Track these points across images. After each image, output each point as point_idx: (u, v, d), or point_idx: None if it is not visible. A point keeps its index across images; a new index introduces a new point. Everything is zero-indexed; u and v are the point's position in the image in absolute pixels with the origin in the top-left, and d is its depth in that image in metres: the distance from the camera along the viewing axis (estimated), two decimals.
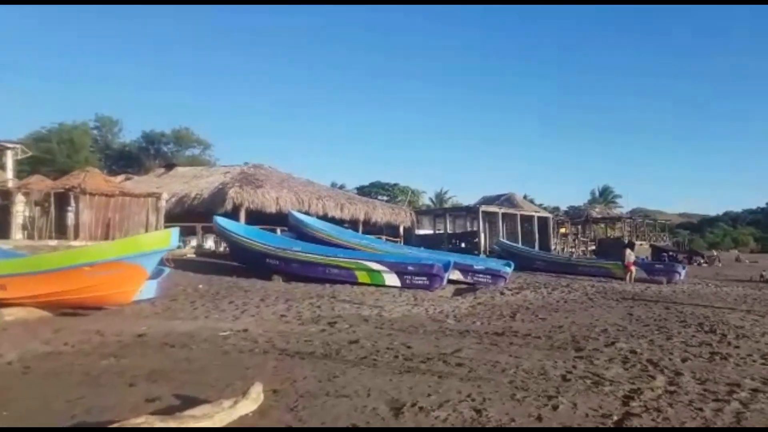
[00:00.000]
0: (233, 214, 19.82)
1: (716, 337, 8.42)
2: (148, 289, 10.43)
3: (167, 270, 11.68)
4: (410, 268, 14.14)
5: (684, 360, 6.73)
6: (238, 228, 16.04)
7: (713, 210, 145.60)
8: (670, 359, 6.74)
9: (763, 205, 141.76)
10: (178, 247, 22.74)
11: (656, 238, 51.56)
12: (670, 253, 43.28)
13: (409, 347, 7.06)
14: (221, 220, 16.09)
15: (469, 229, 33.95)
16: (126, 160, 47.90)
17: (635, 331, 8.79)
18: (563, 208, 67.51)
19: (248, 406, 3.74)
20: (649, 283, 18.85)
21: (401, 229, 28.64)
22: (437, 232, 34.33)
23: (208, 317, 9.53)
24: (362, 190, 55.90)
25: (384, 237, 27.45)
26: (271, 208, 20.21)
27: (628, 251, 20.57)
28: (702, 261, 40.76)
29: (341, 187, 55.52)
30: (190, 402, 4.10)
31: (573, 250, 40.19)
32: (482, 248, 29.91)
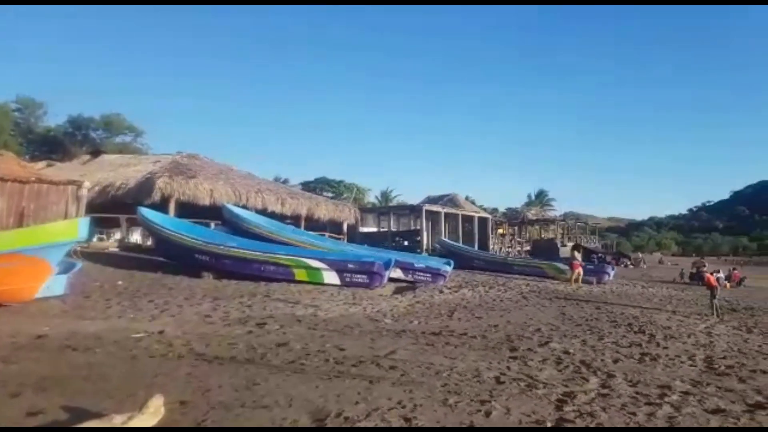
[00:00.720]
0: (162, 206, 18.74)
1: (645, 338, 8.57)
2: (56, 285, 9.55)
3: (79, 264, 10.78)
4: (350, 266, 13.77)
5: (615, 361, 6.73)
6: (165, 221, 15.12)
7: (639, 215, 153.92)
8: (602, 360, 6.73)
9: (684, 211, 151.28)
10: (100, 240, 21.56)
11: (586, 240, 53.59)
12: (599, 255, 45.11)
13: (341, 349, 6.71)
14: (146, 212, 15.12)
15: (412, 227, 34.00)
16: (50, 146, 44.85)
17: (568, 331, 8.82)
18: (502, 209, 69.33)
19: (146, 421, 3.26)
20: (580, 283, 19.34)
21: (345, 227, 28.18)
22: (381, 230, 34.15)
23: (122, 317, 8.76)
24: (307, 186, 54.99)
25: (327, 234, 26.96)
26: (205, 201, 19.24)
27: (575, 252, 20.91)
28: (629, 263, 42.74)
29: (285, 181, 54.45)
30: (79, 416, 3.57)
31: (509, 249, 41.09)
32: (425, 247, 29.99)
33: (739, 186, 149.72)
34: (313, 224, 26.80)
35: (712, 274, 17.80)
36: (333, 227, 28.71)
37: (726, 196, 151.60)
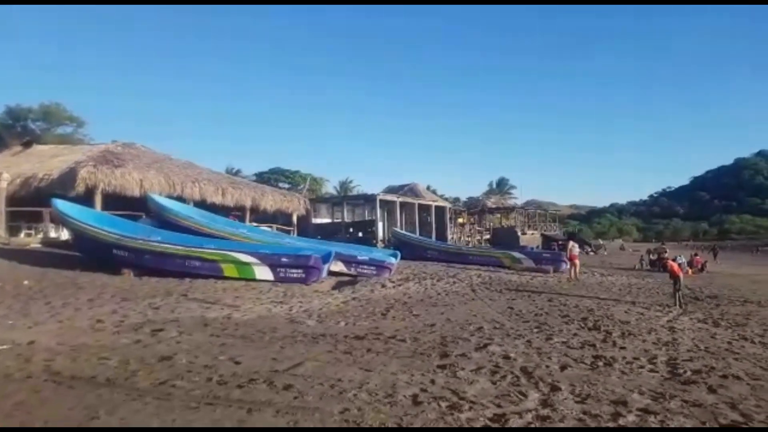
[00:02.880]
0: (88, 199, 17.09)
1: (600, 336, 7.66)
2: None
3: None
4: (284, 259, 12.54)
5: (563, 367, 5.75)
6: (81, 214, 13.55)
7: (601, 202, 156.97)
8: (547, 367, 5.74)
9: (645, 197, 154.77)
10: (27, 235, 19.66)
11: (547, 227, 53.53)
12: (560, 242, 44.98)
13: (237, 362, 5.55)
14: (61, 204, 13.51)
15: (368, 218, 32.76)
16: None
17: (513, 330, 7.84)
18: (464, 198, 68.85)
19: None
20: (536, 272, 18.58)
21: (294, 218, 26.83)
22: (335, 221, 32.81)
23: (1, 323, 7.44)
24: (262, 177, 53.12)
25: (275, 226, 25.57)
26: (134, 192, 17.61)
27: (571, 243, 18.58)
28: (589, 250, 42.65)
29: (237, 172, 52.44)
30: None
31: (468, 239, 40.43)
32: (379, 237, 28.88)
33: (698, 171, 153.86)
34: (260, 216, 25.40)
35: (674, 260, 17.16)
36: (284, 219, 27.35)
37: (686, 181, 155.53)
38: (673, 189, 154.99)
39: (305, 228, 30.34)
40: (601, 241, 48.58)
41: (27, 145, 26.89)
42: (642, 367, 5.91)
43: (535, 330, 7.90)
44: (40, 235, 18.49)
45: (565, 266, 20.09)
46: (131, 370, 5.19)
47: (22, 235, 18.98)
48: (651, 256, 26.93)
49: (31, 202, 17.74)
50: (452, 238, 36.99)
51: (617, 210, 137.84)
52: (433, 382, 5.03)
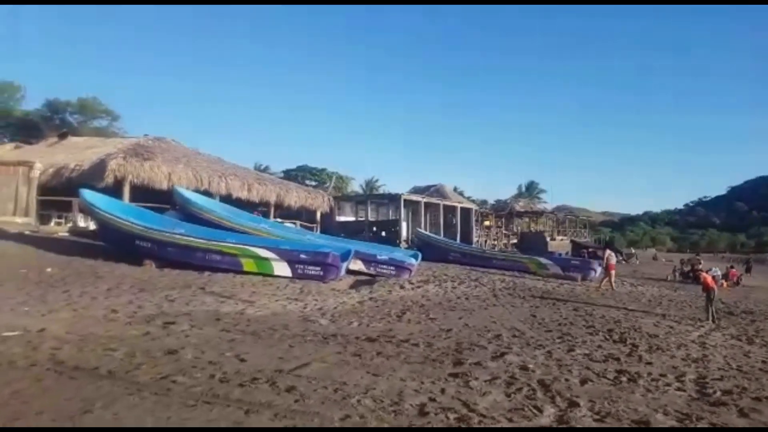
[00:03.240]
0: (116, 190, 17.33)
1: (626, 349, 7.27)
2: None
3: None
4: (302, 256, 12.42)
5: (583, 382, 5.43)
6: (108, 204, 13.69)
7: (634, 210, 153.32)
8: (566, 380, 5.42)
9: (680, 206, 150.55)
10: (58, 224, 20.08)
11: (577, 234, 52.39)
12: (590, 249, 43.90)
13: (242, 360, 5.40)
14: (88, 194, 13.69)
15: (391, 217, 32.52)
16: (29, 130, 43.20)
17: (533, 339, 7.51)
18: (491, 201, 67.94)
19: None
20: (563, 279, 18.06)
21: (318, 215, 26.79)
22: (359, 219, 32.68)
23: (16, 310, 7.49)
24: (289, 174, 53.38)
25: (299, 222, 25.58)
26: (162, 185, 17.79)
27: (608, 252, 17.47)
28: (620, 258, 41.49)
29: (265, 169, 52.81)
30: None
31: (495, 242, 39.79)
32: (403, 237, 28.61)
33: (736, 181, 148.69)
34: (284, 212, 25.46)
35: (707, 272, 16.33)
36: (308, 216, 27.35)
37: (723, 191, 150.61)
38: (709, 198, 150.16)
39: (329, 225, 30.28)
40: (633, 250, 47.17)
41: (63, 136, 27.57)
42: (668, 384, 5.54)
43: (557, 340, 7.56)
44: (69, 224, 18.86)
45: (594, 275, 19.52)
46: (135, 363, 5.09)
47: (52, 223, 19.40)
48: (684, 267, 25.99)
49: (62, 192, 18.08)
50: (478, 240, 36.43)
51: (651, 218, 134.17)
52: (443, 391, 4.78)
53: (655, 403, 4.84)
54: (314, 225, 26.14)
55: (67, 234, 17.10)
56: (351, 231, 30.42)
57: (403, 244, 27.51)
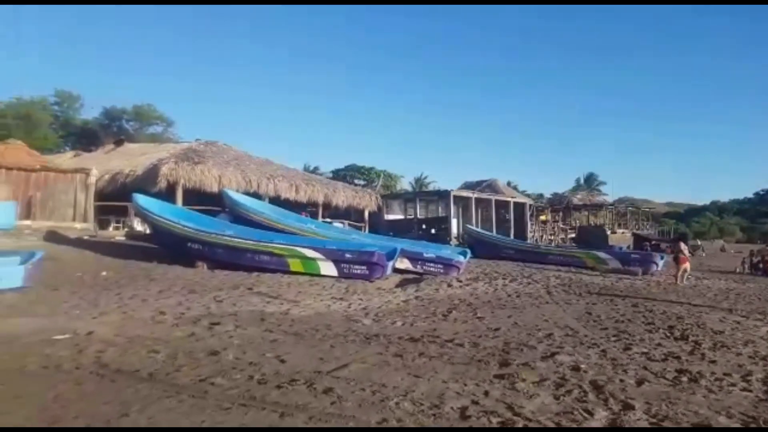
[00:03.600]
0: (169, 194, 17.90)
1: (688, 347, 6.76)
2: (11, 277, 8.69)
3: (39, 254, 9.81)
4: (348, 255, 12.38)
5: (640, 382, 5.05)
6: (160, 208, 14.13)
7: (700, 199, 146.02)
8: (621, 381, 5.06)
9: (750, 195, 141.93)
10: (116, 228, 20.98)
11: (639, 226, 50.27)
12: (653, 242, 41.94)
13: (282, 361, 5.35)
14: (141, 199, 14.17)
15: (441, 214, 32.17)
16: (88, 138, 45.55)
17: (587, 337, 7.11)
18: (548, 195, 66.18)
19: None
20: (623, 274, 17.24)
21: (366, 214, 26.82)
22: (408, 217, 32.52)
23: (69, 313, 7.78)
24: (338, 174, 53.86)
25: (347, 222, 25.70)
26: (213, 188, 18.26)
27: (681, 245, 16.57)
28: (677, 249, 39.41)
29: (314, 169, 53.51)
30: None
31: (552, 237, 38.70)
32: (453, 235, 28.24)
33: None
34: (333, 212, 25.62)
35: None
36: (356, 215, 27.45)
37: None
38: None
39: (377, 224, 30.30)
40: (699, 242, 44.70)
41: (119, 143, 28.83)
42: (733, 384, 5.08)
43: (613, 338, 7.13)
44: (126, 229, 19.65)
45: (656, 268, 18.59)
46: (177, 365, 5.12)
47: (110, 228, 20.28)
48: (754, 259, 24.34)
49: (118, 197, 18.86)
50: (533, 236, 35.55)
51: (718, 208, 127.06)
52: (486, 393, 4.54)
53: (718, 404, 4.43)
54: (362, 224, 26.20)
55: (123, 238, 17.80)
56: (400, 229, 30.33)
57: (454, 242, 27.19)
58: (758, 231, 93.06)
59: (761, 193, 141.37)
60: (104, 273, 11.92)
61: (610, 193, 71.31)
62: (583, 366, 5.57)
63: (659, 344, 6.85)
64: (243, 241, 12.75)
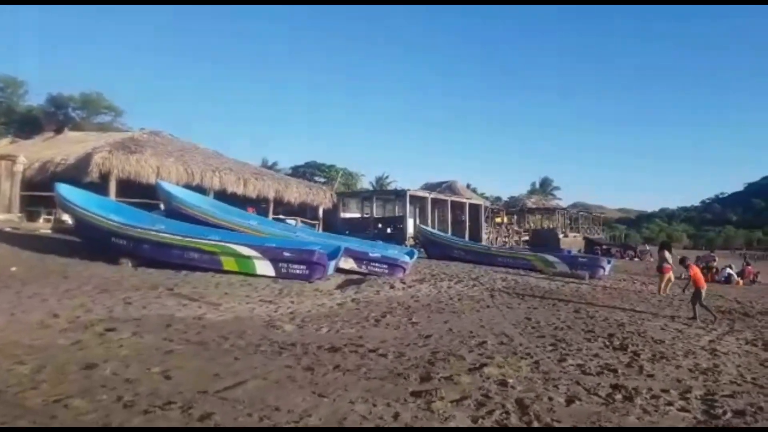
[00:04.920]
0: (103, 186, 16.72)
1: (626, 358, 6.36)
2: None
3: None
4: (286, 254, 11.64)
5: (570, 401, 4.57)
6: (85, 200, 13.03)
7: (650, 207, 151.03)
8: (550, 400, 4.56)
9: (697, 203, 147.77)
10: (47, 220, 19.58)
11: (591, 230, 51.10)
12: (604, 246, 42.64)
13: (167, 377, 4.63)
14: (64, 188, 13.02)
15: (399, 214, 31.68)
16: (32, 125, 43.16)
17: (522, 346, 6.63)
18: (505, 198, 66.73)
19: None
20: (570, 277, 17.06)
21: (320, 211, 26.05)
22: (365, 216, 31.91)
23: None
24: (297, 170, 52.77)
25: (299, 219, 24.89)
26: (151, 179, 17.15)
27: (666, 253, 14.83)
28: (633, 255, 40.20)
29: (273, 165, 52.30)
30: None
31: (506, 240, 38.79)
32: (409, 234, 27.78)
33: (754, 177, 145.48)
34: (285, 208, 24.77)
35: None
36: (312, 212, 26.65)
37: (740, 188, 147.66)
38: (726, 195, 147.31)
39: (334, 222, 29.57)
40: (647, 247, 45.66)
41: (59, 131, 27.18)
42: (670, 403, 4.66)
43: (549, 348, 6.67)
44: (55, 221, 18.30)
45: (603, 272, 18.51)
46: (37, 381, 4.34)
47: (41, 220, 18.89)
48: (699, 264, 24.73)
49: (48, 187, 17.51)
50: (488, 238, 35.47)
51: (667, 215, 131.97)
52: (396, 416, 3.96)
53: (653, 426, 3.98)
54: (317, 222, 25.43)
55: (50, 231, 16.54)
56: (356, 228, 29.70)
57: (410, 241, 26.72)
58: (704, 238, 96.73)
59: (707, 201, 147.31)
60: (13, 268, 10.82)
61: (564, 198, 72.69)
62: (511, 381, 5.06)
63: (596, 354, 6.42)
64: (170, 236, 11.83)
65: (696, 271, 11.24)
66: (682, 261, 12.20)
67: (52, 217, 19.15)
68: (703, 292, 10.66)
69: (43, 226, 17.23)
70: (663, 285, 14.21)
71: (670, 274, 14.54)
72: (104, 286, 9.45)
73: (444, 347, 6.32)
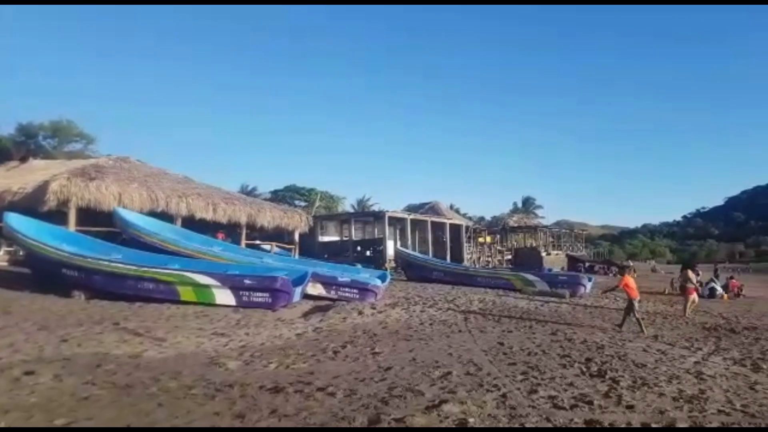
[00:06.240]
0: (62, 214, 15.91)
1: (604, 386, 5.79)
2: None
3: None
4: (247, 281, 10.97)
5: None
6: (36, 230, 12.25)
7: (633, 223, 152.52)
8: None
9: (679, 218, 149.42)
10: (7, 253, 18.68)
11: (573, 248, 50.91)
12: (587, 264, 42.39)
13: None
14: (13, 218, 12.24)
15: (378, 236, 31.06)
16: (2, 155, 42.14)
17: (490, 376, 6.03)
18: (488, 218, 66.49)
19: None
20: (550, 296, 16.54)
21: (296, 235, 25.33)
22: (343, 239, 31.25)
23: None
24: (276, 195, 52.08)
25: (274, 244, 24.16)
26: (111, 207, 16.37)
27: (689, 273, 13.96)
28: (617, 271, 39.94)
29: (252, 190, 51.53)
30: None
31: (489, 259, 38.32)
32: (389, 257, 27.14)
33: (734, 191, 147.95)
34: (264, 234, 24.05)
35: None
36: (289, 237, 25.90)
37: (721, 202, 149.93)
38: (707, 209, 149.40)
39: (311, 246, 28.85)
40: (630, 263, 45.44)
41: (23, 159, 26.28)
42: None
43: (520, 377, 6.08)
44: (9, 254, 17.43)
45: (584, 290, 18.02)
46: None
47: (1, 252, 18.00)
48: (680, 280, 24.40)
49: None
50: (471, 258, 34.96)
51: (650, 231, 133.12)
52: None
53: None
54: (292, 246, 24.69)
55: (5, 263, 15.69)
56: (334, 251, 29.01)
57: (390, 264, 26.09)
58: (687, 252, 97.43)
59: (689, 216, 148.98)
60: None
61: (548, 216, 72.72)
62: (472, 420, 4.47)
63: (571, 384, 5.85)
64: (124, 266, 11.10)
65: (628, 281, 11.06)
66: (622, 269, 12.50)
67: (12, 249, 18.27)
68: (636, 303, 10.64)
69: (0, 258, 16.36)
70: (687, 306, 13.40)
71: (695, 296, 13.73)
72: (45, 322, 8.68)
73: (403, 381, 5.70)
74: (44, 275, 11.87)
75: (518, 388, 5.57)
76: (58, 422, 4.17)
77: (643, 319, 10.93)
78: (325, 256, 27.81)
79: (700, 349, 8.60)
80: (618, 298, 17.96)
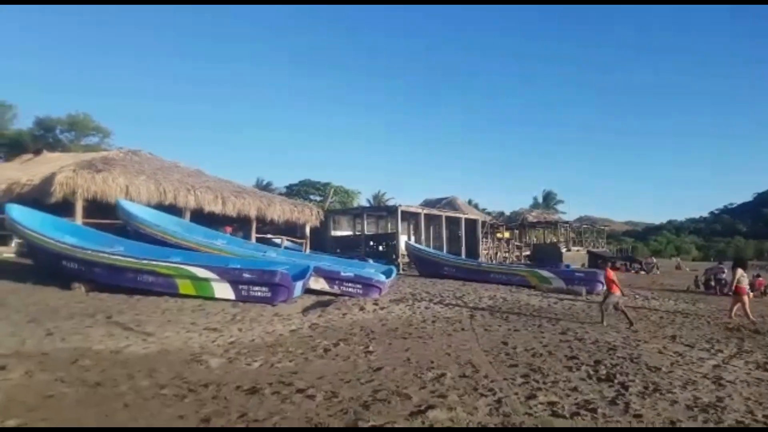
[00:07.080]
0: (68, 206, 15.83)
1: (611, 392, 5.33)
2: None
3: None
4: (246, 275, 10.66)
5: None
6: (40, 221, 12.13)
7: (658, 219, 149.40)
8: None
9: (705, 214, 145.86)
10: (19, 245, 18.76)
11: (596, 244, 49.87)
12: (608, 260, 41.37)
13: None
14: (15, 210, 12.12)
15: (391, 230, 30.66)
16: (21, 149, 42.77)
17: (487, 379, 5.60)
18: (508, 213, 65.60)
19: None
20: (566, 293, 15.96)
21: (307, 230, 25.07)
22: (356, 233, 30.94)
23: None
24: (291, 189, 52.04)
25: (285, 238, 23.96)
26: (119, 199, 16.25)
27: (739, 271, 12.83)
28: (639, 268, 38.94)
29: (267, 185, 51.57)
30: None
31: (506, 255, 37.65)
32: (401, 251, 26.75)
33: (763, 187, 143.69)
34: (270, 227, 23.83)
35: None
36: (300, 231, 25.66)
37: (749, 198, 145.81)
38: (735, 205, 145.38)
39: (323, 241, 28.61)
40: (654, 260, 44.24)
41: (37, 152, 26.46)
42: None
43: (520, 380, 5.64)
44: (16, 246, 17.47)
45: (601, 287, 17.36)
46: None
47: (12, 244, 18.05)
48: (707, 277, 23.53)
49: None
50: (487, 253, 34.35)
51: (675, 227, 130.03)
52: None
53: None
54: (303, 240, 24.44)
55: (13, 255, 15.68)
56: (346, 246, 28.72)
57: (402, 258, 25.70)
58: (713, 249, 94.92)
59: (716, 212, 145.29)
60: None
61: (570, 212, 71.48)
62: (459, 427, 4.06)
63: (575, 388, 5.39)
64: (123, 258, 10.88)
65: (611, 275, 10.88)
66: (605, 261, 12.09)
67: (22, 241, 18.33)
68: (615, 296, 10.51)
69: (6, 250, 16.38)
70: (744, 307, 12.38)
71: (746, 297, 12.67)
72: (36, 315, 8.49)
73: (391, 384, 5.31)
74: (45, 267, 11.74)
75: (516, 393, 5.14)
76: (10, 423, 3.89)
77: (611, 314, 10.66)
78: (338, 250, 27.55)
79: (721, 351, 8.03)
80: (638, 296, 17.32)
